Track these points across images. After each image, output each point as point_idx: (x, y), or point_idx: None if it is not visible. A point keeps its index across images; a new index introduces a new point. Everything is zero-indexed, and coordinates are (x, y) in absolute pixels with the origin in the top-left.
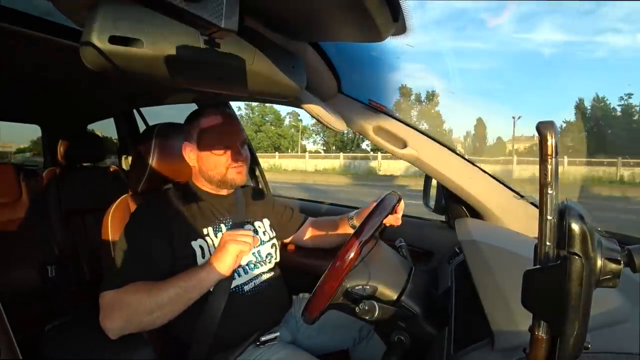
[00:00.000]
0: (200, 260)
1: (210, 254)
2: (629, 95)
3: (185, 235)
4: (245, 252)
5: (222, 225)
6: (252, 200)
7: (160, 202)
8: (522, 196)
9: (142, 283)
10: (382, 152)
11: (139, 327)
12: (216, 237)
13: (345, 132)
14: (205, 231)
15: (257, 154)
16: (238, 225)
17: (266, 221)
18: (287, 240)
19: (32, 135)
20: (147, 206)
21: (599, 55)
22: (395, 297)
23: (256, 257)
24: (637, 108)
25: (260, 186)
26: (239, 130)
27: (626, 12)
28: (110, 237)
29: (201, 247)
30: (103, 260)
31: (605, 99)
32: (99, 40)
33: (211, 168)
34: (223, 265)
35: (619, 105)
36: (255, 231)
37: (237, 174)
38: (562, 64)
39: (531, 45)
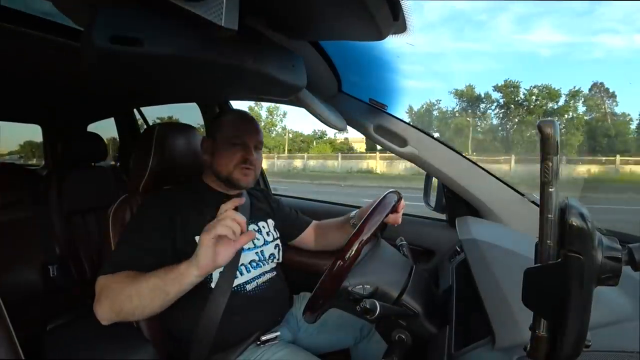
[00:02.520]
0: None
1: None
2: (439, 100)
3: (188, 230)
4: (224, 232)
5: None
6: (257, 200)
7: (165, 199)
8: (522, 194)
9: (131, 272)
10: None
11: (122, 314)
12: None
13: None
14: None
15: None
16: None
17: (270, 222)
18: (291, 243)
19: (21, 139)
20: (152, 202)
21: (597, 55)
22: (396, 295)
23: (258, 257)
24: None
25: (263, 187)
26: (256, 133)
27: (624, 13)
28: (111, 237)
29: None
30: (104, 259)
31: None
32: (99, 40)
33: (221, 163)
34: (201, 259)
35: (434, 109)
36: (259, 231)
37: (244, 176)
38: (560, 64)
39: (529, 46)
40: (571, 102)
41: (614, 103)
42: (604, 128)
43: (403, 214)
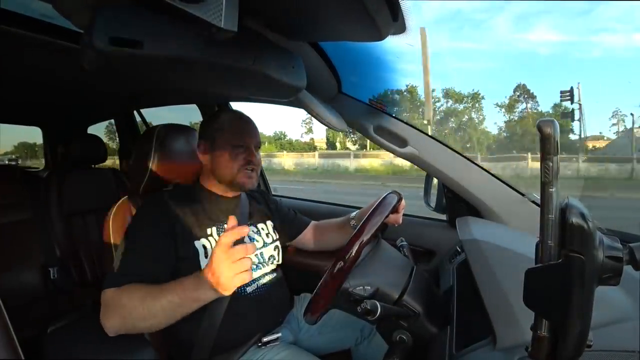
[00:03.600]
0: (202, 260)
1: None
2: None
3: (188, 235)
4: (246, 276)
5: (226, 226)
6: (256, 202)
7: (165, 201)
8: (523, 194)
9: (140, 286)
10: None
11: (135, 330)
12: (219, 237)
13: None
14: (208, 231)
15: None
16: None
17: (269, 223)
18: (290, 244)
19: (15, 140)
20: (152, 205)
21: (595, 55)
22: (396, 296)
23: (259, 259)
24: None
25: (262, 187)
26: (255, 133)
27: (622, 12)
28: (111, 238)
29: (204, 247)
30: (104, 261)
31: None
32: (99, 41)
33: (223, 167)
34: (221, 289)
35: None
36: (259, 232)
37: (248, 178)
38: (559, 63)
39: (528, 45)
40: (471, 103)
41: (536, 103)
42: (519, 127)
43: (403, 215)
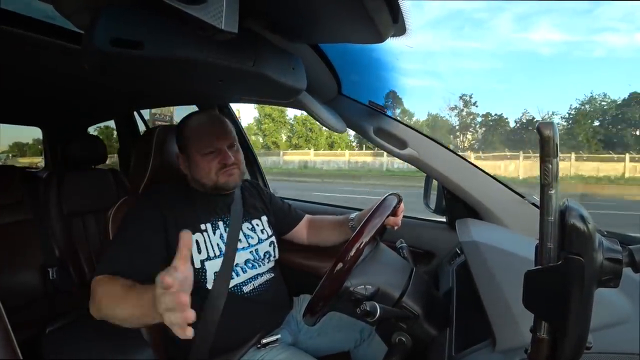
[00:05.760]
0: (195, 254)
1: (207, 249)
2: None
3: (180, 225)
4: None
5: (220, 223)
6: (250, 197)
7: (159, 197)
8: (522, 196)
9: (116, 287)
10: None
11: (113, 322)
12: (214, 233)
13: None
14: (202, 226)
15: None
16: None
17: (264, 218)
18: (285, 237)
19: (10, 140)
20: (146, 200)
21: (598, 54)
22: (396, 298)
23: (253, 256)
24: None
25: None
26: (226, 133)
27: (624, 12)
28: (111, 239)
29: (197, 242)
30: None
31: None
32: (100, 42)
33: (202, 175)
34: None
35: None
36: (253, 229)
37: (229, 177)
38: (561, 63)
39: (530, 45)
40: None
41: (399, 107)
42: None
43: (403, 216)
